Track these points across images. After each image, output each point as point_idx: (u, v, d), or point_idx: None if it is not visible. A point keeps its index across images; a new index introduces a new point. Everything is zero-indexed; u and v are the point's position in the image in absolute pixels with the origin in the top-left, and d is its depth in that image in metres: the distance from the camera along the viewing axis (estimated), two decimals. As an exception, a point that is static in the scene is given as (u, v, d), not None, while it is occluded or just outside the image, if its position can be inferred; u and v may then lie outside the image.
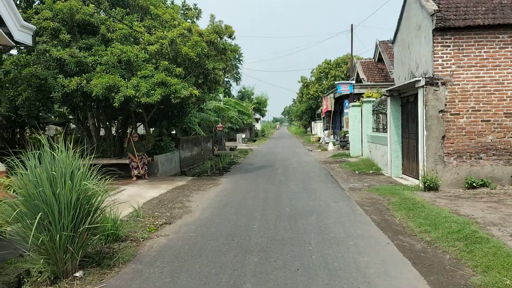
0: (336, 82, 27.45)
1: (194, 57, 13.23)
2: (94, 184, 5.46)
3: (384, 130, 16.68)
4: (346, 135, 28.04)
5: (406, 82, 11.94)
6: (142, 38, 13.58)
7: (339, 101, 31.92)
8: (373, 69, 33.80)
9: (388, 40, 32.78)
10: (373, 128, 18.39)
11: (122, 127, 17.75)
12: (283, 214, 8.64)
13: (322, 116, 38.36)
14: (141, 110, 14.11)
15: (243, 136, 43.09)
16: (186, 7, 18.77)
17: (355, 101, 23.30)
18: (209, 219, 8.40)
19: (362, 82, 30.59)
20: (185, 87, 12.90)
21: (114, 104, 12.11)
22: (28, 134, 20.12)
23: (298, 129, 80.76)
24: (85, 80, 12.31)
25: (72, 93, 12.51)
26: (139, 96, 12.22)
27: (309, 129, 63.99)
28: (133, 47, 13.12)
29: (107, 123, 16.10)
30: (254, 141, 49.39)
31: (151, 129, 17.93)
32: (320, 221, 7.97)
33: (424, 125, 10.74)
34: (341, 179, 13.73)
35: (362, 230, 7.28)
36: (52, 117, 20.24)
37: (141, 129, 20.67)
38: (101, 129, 17.07)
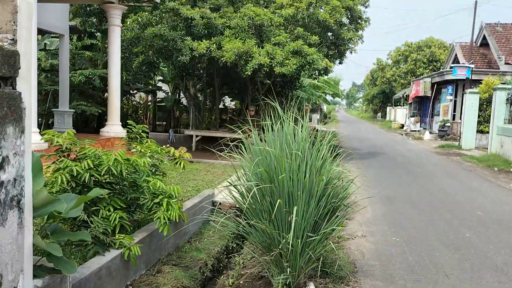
0: (452, 65, 24.91)
1: (333, 24, 11.63)
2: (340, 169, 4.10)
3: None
4: (445, 125, 25.59)
5: None
6: (273, 1, 12.12)
7: (436, 87, 29.28)
8: (475, 54, 30.66)
9: (495, 23, 29.56)
10: (504, 119, 16.11)
11: (212, 97, 16.56)
12: (483, 221, 7.00)
13: (409, 102, 35.67)
14: (268, 81, 12.77)
15: (318, 117, 41.32)
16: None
17: (472, 88, 20.83)
18: (391, 217, 6.96)
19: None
20: (321, 58, 11.38)
21: (245, 73, 10.82)
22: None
23: (364, 113, 77.45)
24: (214, 45, 11.06)
25: (200, 57, 11.33)
26: (274, 65, 10.84)
27: (379, 114, 60.86)
28: (264, 11, 11.70)
29: (217, 94, 14.94)
30: (325, 123, 47.41)
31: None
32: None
33: None
34: (490, 177, 11.81)
35: None
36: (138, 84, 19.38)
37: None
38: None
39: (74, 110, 12.83)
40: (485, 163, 14.63)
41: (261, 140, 4.37)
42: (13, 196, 2.46)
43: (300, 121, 4.38)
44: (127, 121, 5.98)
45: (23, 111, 2.51)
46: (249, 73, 10.78)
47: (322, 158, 4.04)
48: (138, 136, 5.84)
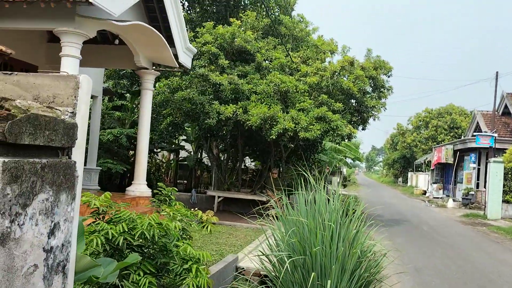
0: (475, 134, 24.90)
1: (356, 92, 11.94)
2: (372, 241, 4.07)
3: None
4: (469, 193, 25.08)
5: None
6: (297, 69, 12.60)
7: (459, 154, 29.09)
8: (497, 123, 30.63)
9: (517, 92, 29.76)
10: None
11: (232, 158, 16.77)
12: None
13: (431, 168, 35.35)
14: (292, 145, 12.96)
15: (338, 180, 41.05)
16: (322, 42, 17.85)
17: (496, 156, 20.63)
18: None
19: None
20: (345, 124, 11.58)
21: (270, 136, 11.05)
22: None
23: (384, 177, 76.66)
24: (241, 109, 11.42)
25: (226, 120, 11.66)
26: (298, 130, 11.06)
27: (400, 179, 60.13)
28: (290, 78, 12.14)
29: (240, 155, 15.16)
30: (345, 186, 46.93)
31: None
32: None
33: None
34: (520, 250, 11.39)
35: None
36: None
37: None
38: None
39: (101, 168, 13.14)
40: (515, 235, 14.15)
41: (292, 206, 4.41)
42: (60, 262, 2.52)
43: (331, 189, 4.42)
44: (158, 183, 6.10)
45: (76, 179, 2.64)
46: (274, 137, 11.00)
47: (355, 228, 4.03)
48: (167, 199, 5.93)
